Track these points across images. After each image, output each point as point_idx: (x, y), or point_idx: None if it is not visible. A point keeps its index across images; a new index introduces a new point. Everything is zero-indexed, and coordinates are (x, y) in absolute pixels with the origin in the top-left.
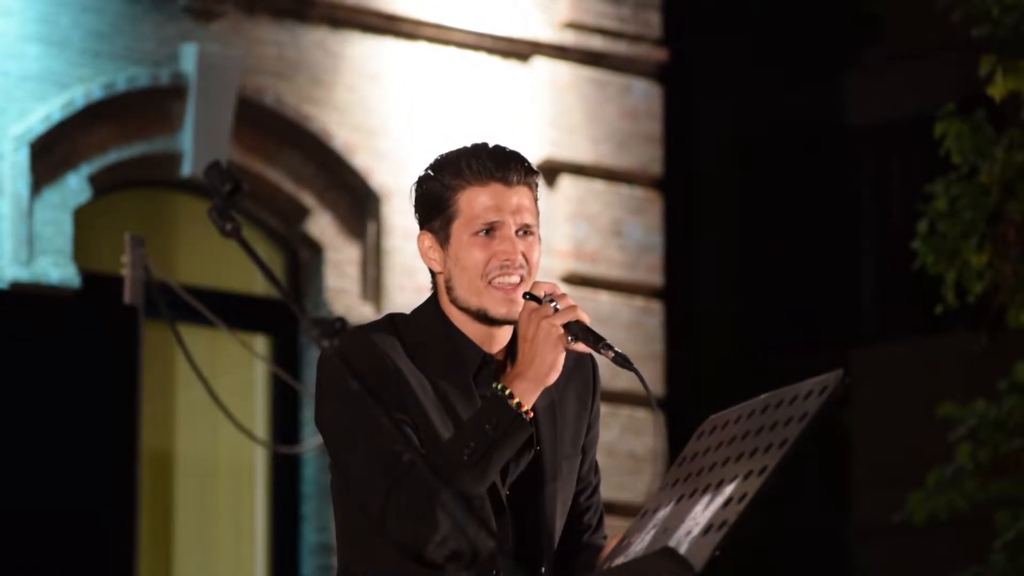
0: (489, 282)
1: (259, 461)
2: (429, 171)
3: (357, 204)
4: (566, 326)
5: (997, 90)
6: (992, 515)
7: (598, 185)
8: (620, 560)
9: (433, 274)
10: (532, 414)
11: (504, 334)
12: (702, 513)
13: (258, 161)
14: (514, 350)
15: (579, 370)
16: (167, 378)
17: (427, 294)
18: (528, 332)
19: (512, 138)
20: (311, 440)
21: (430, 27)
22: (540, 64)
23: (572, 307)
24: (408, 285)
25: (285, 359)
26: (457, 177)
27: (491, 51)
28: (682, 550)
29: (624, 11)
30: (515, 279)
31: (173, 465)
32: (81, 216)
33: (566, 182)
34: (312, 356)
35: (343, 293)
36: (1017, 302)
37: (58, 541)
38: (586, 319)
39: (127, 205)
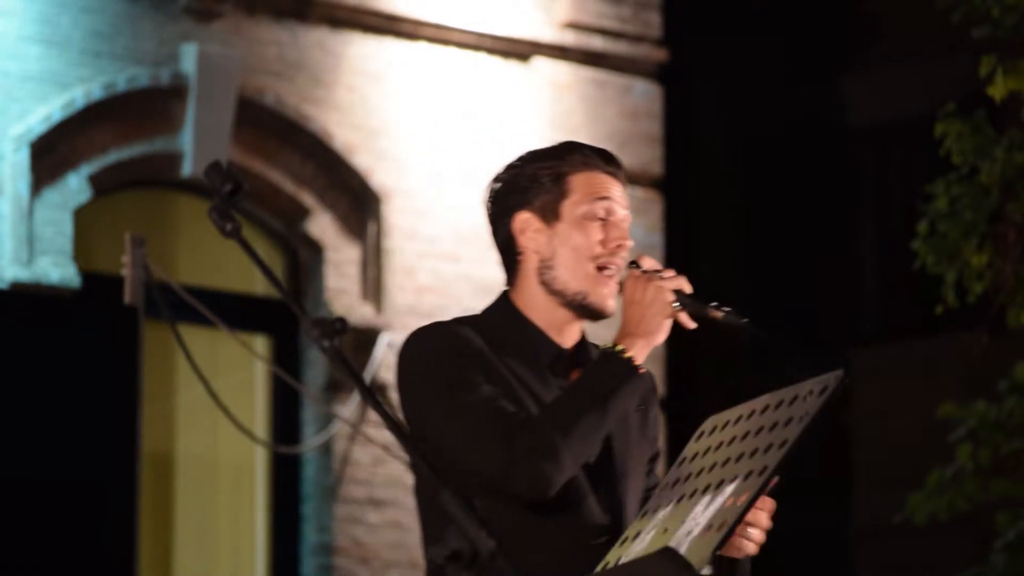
0: (598, 266)
1: (259, 461)
2: (518, 162)
3: (357, 204)
4: (673, 292)
5: (997, 90)
6: (992, 515)
7: None
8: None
9: (515, 261)
10: (643, 370)
11: (575, 331)
12: (702, 513)
13: (258, 161)
14: (582, 348)
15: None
16: (167, 378)
17: (427, 295)
18: (635, 295)
19: (512, 138)
20: (311, 440)
21: (430, 27)
22: (540, 64)
23: (677, 276)
24: (408, 285)
25: (285, 359)
26: (565, 162)
27: (491, 51)
28: (682, 550)
29: (624, 11)
30: (621, 263)
31: (173, 465)
32: (81, 216)
33: None
34: (312, 356)
35: (343, 293)
36: (1017, 302)
37: (58, 541)
38: (689, 288)
39: (127, 205)
